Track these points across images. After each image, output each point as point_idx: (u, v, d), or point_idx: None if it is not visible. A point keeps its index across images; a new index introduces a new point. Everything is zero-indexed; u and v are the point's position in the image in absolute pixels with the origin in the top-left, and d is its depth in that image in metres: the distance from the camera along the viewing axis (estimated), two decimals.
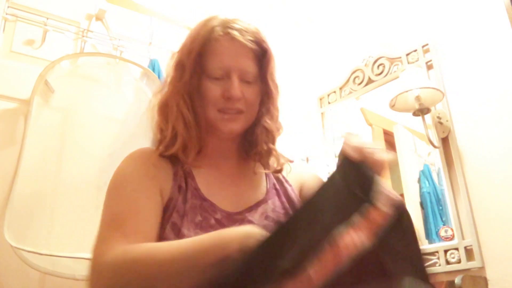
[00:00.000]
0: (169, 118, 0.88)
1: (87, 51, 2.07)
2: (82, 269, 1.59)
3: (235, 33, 0.86)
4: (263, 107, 0.93)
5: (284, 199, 0.93)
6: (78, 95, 1.99)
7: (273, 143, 0.95)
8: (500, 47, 1.80)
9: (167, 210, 0.80)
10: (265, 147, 0.93)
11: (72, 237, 1.71)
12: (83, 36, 2.07)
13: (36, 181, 1.77)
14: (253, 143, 0.94)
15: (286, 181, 0.98)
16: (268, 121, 0.92)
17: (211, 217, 0.82)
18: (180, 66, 0.89)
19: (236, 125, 0.89)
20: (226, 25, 0.88)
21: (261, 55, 0.90)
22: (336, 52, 2.48)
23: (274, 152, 0.95)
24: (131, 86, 2.12)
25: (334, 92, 2.43)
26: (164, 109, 0.90)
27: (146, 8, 2.31)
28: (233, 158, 0.96)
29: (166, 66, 0.95)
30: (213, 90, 0.86)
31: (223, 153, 0.95)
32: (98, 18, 2.17)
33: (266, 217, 0.87)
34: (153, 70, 2.14)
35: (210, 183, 0.89)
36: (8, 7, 1.93)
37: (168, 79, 0.92)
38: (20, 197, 1.68)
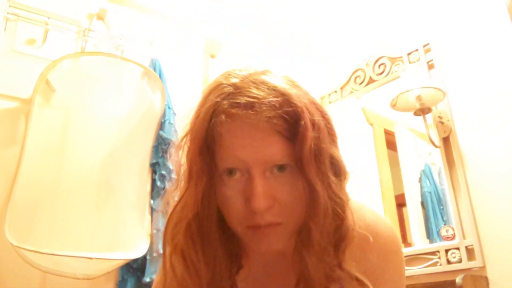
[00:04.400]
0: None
1: (88, 51, 2.07)
2: (83, 268, 1.59)
3: (246, 113, 0.57)
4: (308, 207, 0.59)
5: None
6: (79, 95, 1.99)
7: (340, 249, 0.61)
8: (501, 46, 1.80)
9: None
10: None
11: (73, 236, 1.71)
12: (84, 36, 2.07)
13: (37, 180, 1.77)
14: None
15: None
16: (315, 229, 0.59)
17: None
18: (188, 159, 0.63)
19: (275, 243, 0.61)
20: (233, 97, 0.59)
21: (294, 125, 0.58)
22: (337, 52, 2.48)
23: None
24: (132, 85, 2.12)
25: (335, 91, 2.43)
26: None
27: (147, 8, 2.31)
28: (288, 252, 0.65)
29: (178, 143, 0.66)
30: (233, 198, 0.60)
31: (273, 261, 0.70)
32: (99, 17, 2.17)
33: None
34: (154, 69, 2.14)
35: None
36: (9, 6, 1.93)
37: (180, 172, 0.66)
38: (21, 196, 1.68)
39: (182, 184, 0.64)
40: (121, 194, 1.87)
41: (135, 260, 1.75)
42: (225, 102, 0.58)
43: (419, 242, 1.95)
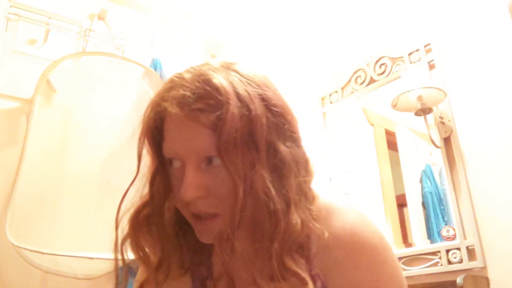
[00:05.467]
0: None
1: (89, 51, 2.07)
2: (84, 268, 1.59)
3: (175, 106, 0.58)
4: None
5: None
6: (80, 95, 1.99)
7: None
8: (503, 46, 1.79)
9: None
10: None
11: (74, 236, 1.71)
12: (85, 36, 2.07)
13: (38, 180, 1.77)
14: None
15: None
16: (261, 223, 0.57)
17: None
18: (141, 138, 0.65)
19: (211, 232, 0.59)
20: (169, 91, 0.60)
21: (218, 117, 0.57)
22: (338, 52, 2.48)
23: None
24: (133, 85, 2.12)
25: (336, 92, 2.43)
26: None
27: (148, 8, 2.31)
28: None
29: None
30: (176, 186, 0.62)
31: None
32: (100, 17, 2.17)
33: None
34: (155, 69, 2.14)
35: None
36: (10, 6, 1.93)
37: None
38: (22, 196, 1.68)
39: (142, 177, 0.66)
40: (122, 194, 1.87)
41: (135, 260, 1.75)
42: (164, 95, 0.61)
43: (420, 242, 1.95)
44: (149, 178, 0.64)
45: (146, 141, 0.63)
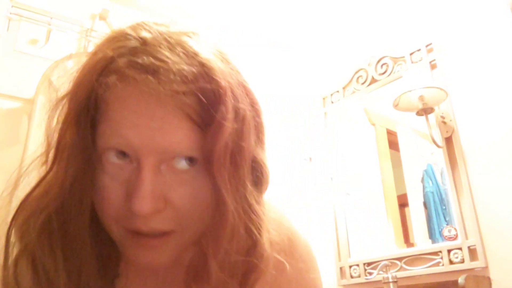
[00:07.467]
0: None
1: (91, 51, 2.07)
2: None
3: (146, 78, 0.41)
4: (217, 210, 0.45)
5: None
6: None
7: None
8: (504, 46, 1.79)
9: None
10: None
11: None
12: (87, 36, 2.08)
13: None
14: None
15: None
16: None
17: None
18: (61, 128, 0.48)
19: (161, 257, 0.46)
20: (135, 55, 0.42)
21: (209, 109, 0.42)
22: (340, 52, 2.48)
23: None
24: None
25: (338, 91, 2.42)
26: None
27: (149, 8, 2.31)
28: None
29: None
30: (111, 189, 0.44)
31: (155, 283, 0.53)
32: (102, 17, 2.17)
33: None
34: None
35: None
36: (12, 6, 1.93)
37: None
38: (23, 196, 1.68)
39: (49, 160, 0.48)
40: None
41: None
42: (122, 59, 0.42)
43: (421, 242, 1.95)
44: (67, 173, 0.44)
45: (71, 116, 0.44)
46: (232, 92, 0.44)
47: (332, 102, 2.44)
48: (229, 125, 0.42)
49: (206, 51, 0.44)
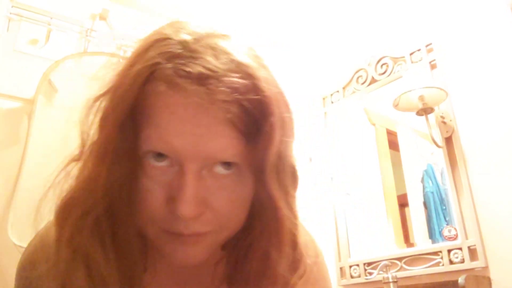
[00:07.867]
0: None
1: (91, 51, 2.07)
2: None
3: (197, 89, 0.41)
4: (258, 217, 0.48)
5: None
6: (81, 95, 1.99)
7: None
8: (504, 46, 1.79)
9: None
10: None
11: None
12: (87, 36, 2.08)
13: (40, 180, 1.77)
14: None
15: None
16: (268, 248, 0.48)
17: None
18: (102, 130, 0.46)
19: (197, 255, 0.47)
20: (183, 62, 0.42)
21: (254, 119, 0.43)
22: (340, 52, 2.48)
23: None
24: None
25: (338, 91, 2.42)
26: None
27: (150, 8, 2.31)
28: None
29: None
30: (152, 192, 0.44)
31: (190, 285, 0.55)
32: (102, 17, 2.17)
33: None
34: None
35: None
36: (12, 6, 1.94)
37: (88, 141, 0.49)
38: (24, 196, 1.69)
39: (89, 160, 0.47)
40: None
41: None
42: (169, 65, 0.42)
43: (421, 242, 1.95)
44: (114, 175, 0.44)
45: (116, 120, 0.43)
46: (277, 101, 0.46)
47: (332, 102, 2.44)
48: (278, 135, 0.44)
49: (249, 60, 0.45)
